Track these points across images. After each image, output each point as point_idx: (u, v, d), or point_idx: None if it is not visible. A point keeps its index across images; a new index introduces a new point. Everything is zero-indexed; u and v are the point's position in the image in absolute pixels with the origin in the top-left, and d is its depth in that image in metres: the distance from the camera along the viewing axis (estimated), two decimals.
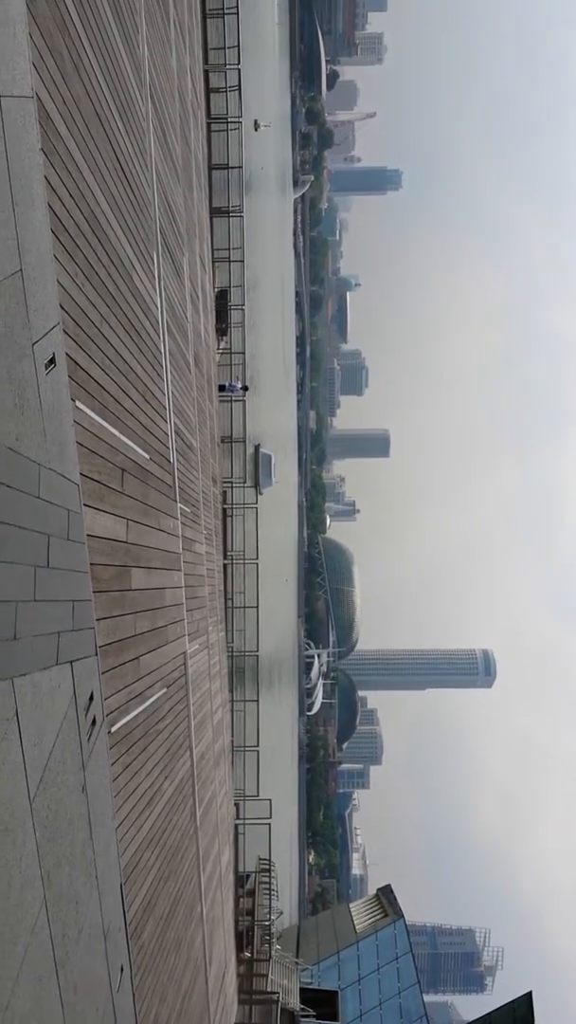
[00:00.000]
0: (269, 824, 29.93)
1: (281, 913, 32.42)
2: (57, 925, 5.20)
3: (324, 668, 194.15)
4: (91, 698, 6.26)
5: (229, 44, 26.74)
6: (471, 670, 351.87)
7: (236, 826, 26.77)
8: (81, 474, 6.74)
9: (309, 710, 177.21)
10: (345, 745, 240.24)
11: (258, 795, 28.90)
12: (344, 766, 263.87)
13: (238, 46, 27.18)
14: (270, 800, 29.87)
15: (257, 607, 30.01)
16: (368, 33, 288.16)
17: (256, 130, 61.16)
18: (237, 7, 27.39)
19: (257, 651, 30.26)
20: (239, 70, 27.29)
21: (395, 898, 42.09)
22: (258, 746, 28.77)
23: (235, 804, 26.71)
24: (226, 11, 26.49)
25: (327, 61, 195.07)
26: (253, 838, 29.00)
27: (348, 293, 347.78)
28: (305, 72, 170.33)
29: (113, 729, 8.01)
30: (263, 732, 30.45)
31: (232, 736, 25.97)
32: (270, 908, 28.61)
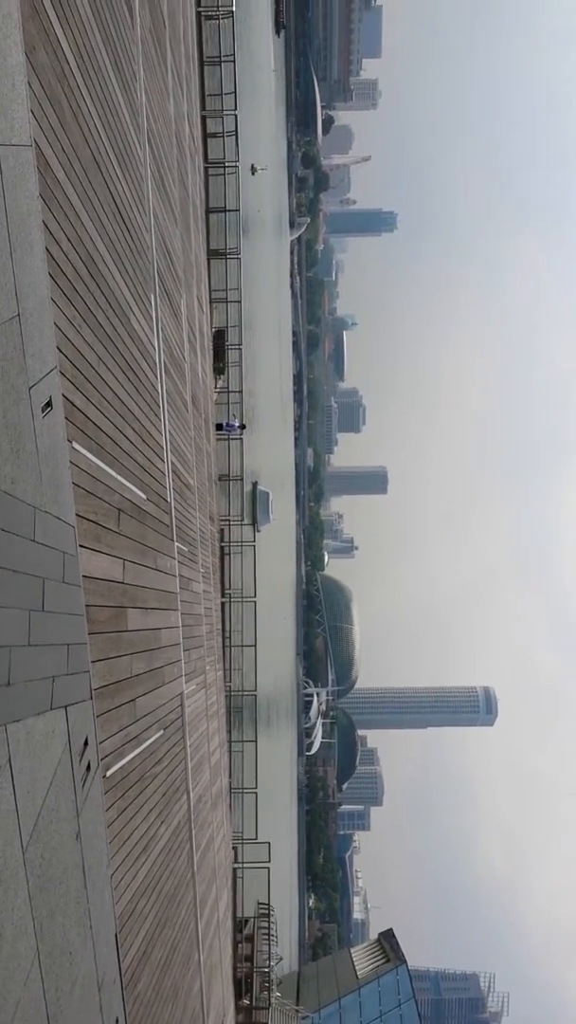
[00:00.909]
0: (268, 868, 29.47)
1: (281, 959, 31.80)
2: (50, 977, 5.08)
3: (323, 707, 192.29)
4: (86, 743, 6.18)
5: (226, 90, 27.25)
6: (472, 708, 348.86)
7: (234, 870, 26.35)
8: (77, 515, 6.72)
9: (308, 750, 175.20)
10: (345, 786, 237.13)
11: (256, 838, 28.48)
12: (344, 807, 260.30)
13: (235, 92, 27.70)
14: (269, 843, 29.44)
15: (255, 645, 29.83)
16: (363, 79, 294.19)
17: (253, 174, 62.13)
18: (234, 55, 27.96)
19: (255, 690, 30.02)
20: (236, 116, 27.78)
21: (397, 943, 41.32)
22: (256, 788, 28.41)
23: (233, 848, 26.31)
24: (223, 59, 27.03)
25: (323, 106, 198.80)
26: (252, 882, 28.54)
27: (345, 332, 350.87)
28: (301, 117, 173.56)
29: (108, 773, 7.89)
30: (262, 773, 30.09)
31: (230, 778, 25.66)
32: (269, 954, 28.04)
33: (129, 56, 10.59)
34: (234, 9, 26.84)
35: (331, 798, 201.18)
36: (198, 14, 23.58)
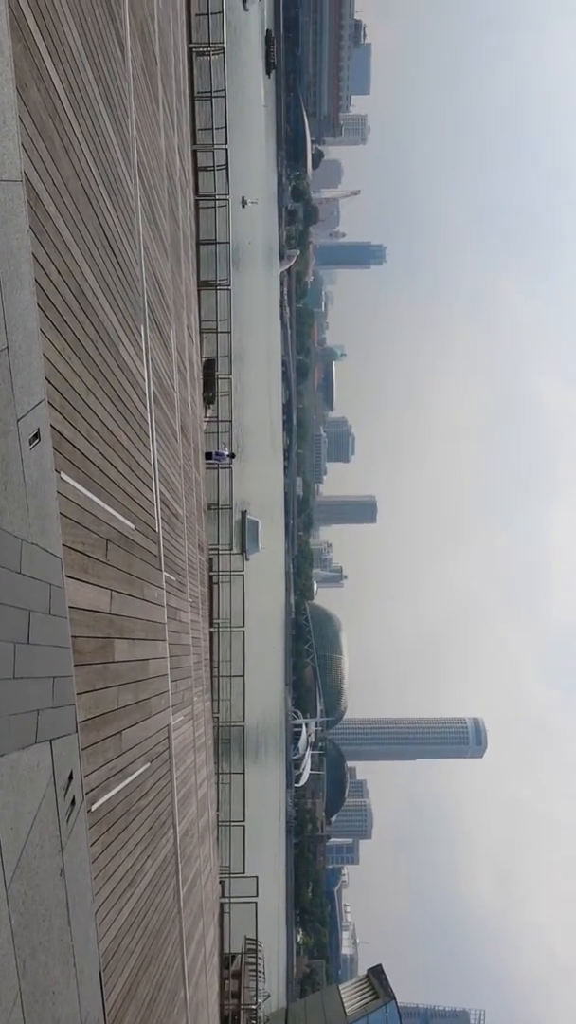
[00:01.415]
0: (256, 903, 29.09)
1: (268, 996, 31.28)
2: (32, 1018, 4.97)
3: (312, 738, 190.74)
4: (71, 777, 6.10)
5: (217, 125, 27.63)
6: (461, 739, 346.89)
7: (221, 905, 25.98)
8: (65, 545, 6.70)
9: (297, 782, 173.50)
10: (334, 818, 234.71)
11: (244, 872, 28.13)
12: (333, 840, 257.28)
13: (225, 127, 28.08)
14: (256, 877, 29.08)
15: (243, 676, 29.66)
16: (352, 115, 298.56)
17: (243, 207, 62.82)
18: (224, 90, 28.38)
19: (243, 721, 29.79)
20: (226, 150, 28.14)
21: (386, 979, 40.71)
22: (244, 821, 28.10)
23: (220, 882, 25.96)
24: (214, 94, 27.43)
25: (312, 141, 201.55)
26: (239, 917, 28.14)
27: (334, 363, 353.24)
28: (291, 152, 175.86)
29: (93, 807, 7.79)
30: (249, 806, 29.78)
31: (217, 810, 25.38)
32: (257, 991, 27.59)
33: (121, 92, 10.73)
34: (225, 46, 27.29)
35: (320, 831, 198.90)
36: (190, 51, 23.95)
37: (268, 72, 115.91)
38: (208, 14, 26.18)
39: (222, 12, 26.67)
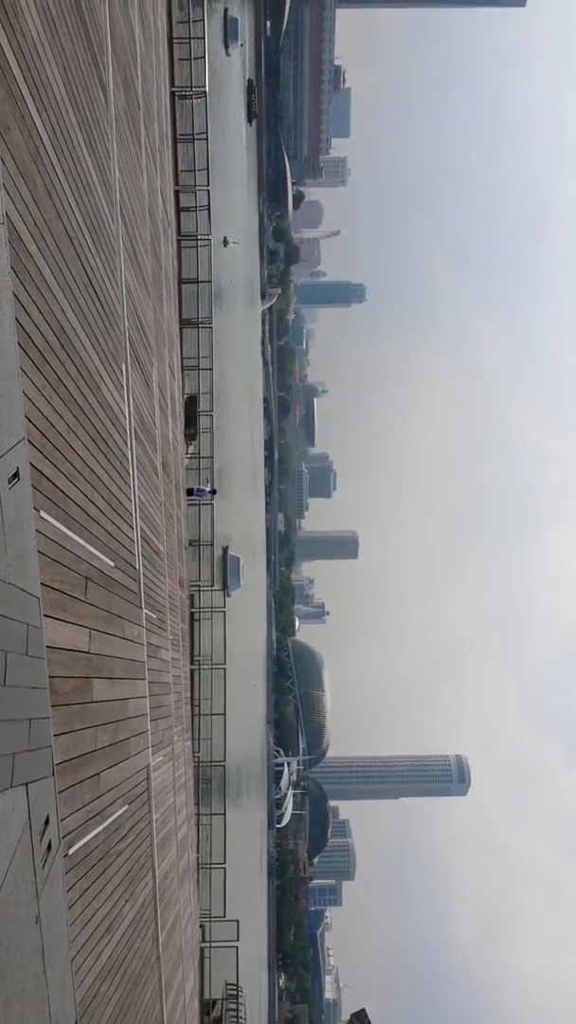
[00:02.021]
0: (236, 947, 28.55)
1: None
2: None
3: (294, 777, 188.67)
4: (47, 821, 5.99)
5: (199, 167, 28.05)
6: (445, 777, 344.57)
7: (202, 949, 25.46)
8: (43, 584, 6.64)
9: (279, 822, 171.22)
10: (316, 859, 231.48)
11: (225, 916, 27.63)
12: (315, 882, 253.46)
13: (208, 169, 28.52)
14: (238, 921, 28.57)
15: (224, 714, 29.37)
16: (332, 157, 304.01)
17: (225, 246, 63.60)
18: (207, 133, 28.86)
19: (224, 761, 29.43)
20: (208, 191, 28.54)
21: (370, 1022, 39.99)
22: (225, 863, 27.66)
23: (200, 926, 25.47)
24: (196, 136, 27.88)
25: (293, 183, 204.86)
26: (220, 962, 27.57)
27: (315, 399, 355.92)
28: (272, 193, 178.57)
29: (70, 852, 7.64)
30: (230, 847, 29.32)
31: (198, 853, 24.97)
32: None
33: (103, 135, 10.88)
34: (207, 90, 27.79)
35: (302, 872, 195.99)
36: (172, 94, 24.38)
37: (250, 121, 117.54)
38: (191, 59, 26.68)
39: (204, 57, 27.19)
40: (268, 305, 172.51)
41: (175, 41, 24.94)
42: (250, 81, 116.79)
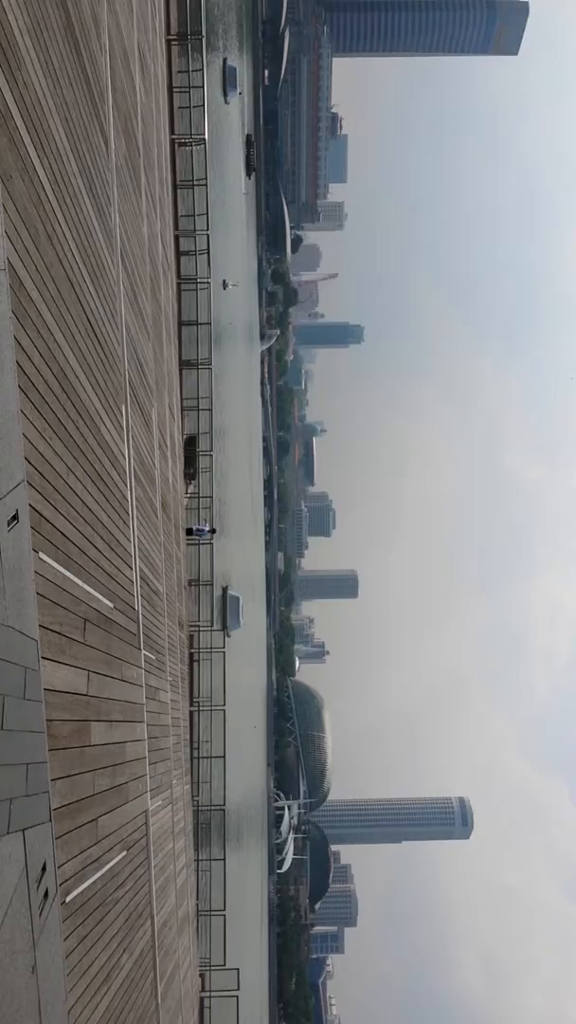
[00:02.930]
0: (237, 996, 27.90)
1: None
2: None
3: (295, 821, 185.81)
4: (44, 868, 5.89)
5: (199, 211, 28.48)
6: (447, 820, 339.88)
7: (201, 999, 24.90)
8: (42, 626, 6.61)
9: (279, 868, 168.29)
10: (318, 905, 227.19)
11: (225, 964, 27.08)
12: (317, 929, 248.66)
13: (207, 213, 28.95)
14: (238, 970, 27.99)
15: (224, 756, 29.05)
16: (329, 202, 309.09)
17: (225, 289, 64.25)
18: (206, 179, 29.34)
19: (224, 805, 29.08)
20: (208, 235, 28.96)
21: None
22: (225, 910, 27.18)
23: (200, 975, 24.94)
24: (195, 182, 28.36)
25: (291, 227, 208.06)
26: (220, 1012, 26.95)
27: (314, 438, 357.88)
28: (271, 237, 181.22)
29: (68, 899, 7.51)
30: (230, 894, 28.81)
31: (197, 900, 24.54)
32: None
33: (104, 182, 11.06)
34: (206, 137, 28.31)
35: (304, 919, 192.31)
36: (172, 141, 24.83)
37: (248, 174, 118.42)
38: (190, 107, 27.22)
39: (203, 105, 27.74)
40: (267, 346, 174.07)
41: (175, 90, 25.47)
42: (248, 136, 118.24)
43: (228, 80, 75.12)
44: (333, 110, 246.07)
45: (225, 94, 75.58)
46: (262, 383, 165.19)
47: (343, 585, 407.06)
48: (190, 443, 28.35)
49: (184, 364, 27.14)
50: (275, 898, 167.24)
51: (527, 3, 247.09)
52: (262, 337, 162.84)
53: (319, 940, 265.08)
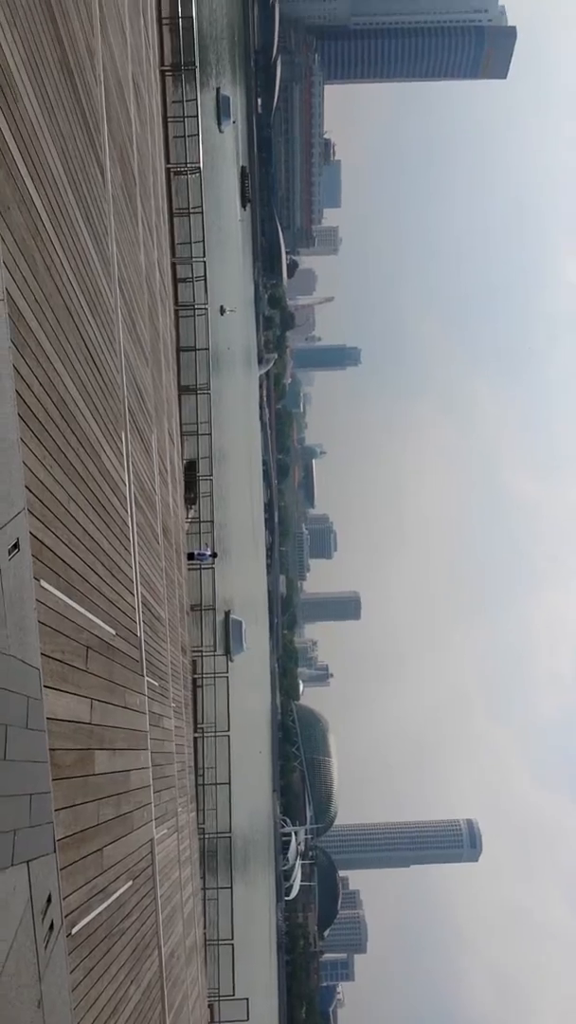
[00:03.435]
0: None
1: None
2: None
3: (302, 847, 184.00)
4: (49, 900, 5.83)
5: (195, 239, 28.73)
6: (456, 843, 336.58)
7: None
8: (44, 654, 6.58)
9: (287, 894, 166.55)
10: (327, 932, 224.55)
11: (234, 994, 26.71)
12: (327, 956, 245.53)
13: (203, 241, 29.22)
14: (247, 999, 27.60)
15: (229, 783, 28.83)
16: (324, 227, 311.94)
17: (222, 314, 64.68)
18: (202, 207, 29.63)
19: (230, 832, 28.81)
20: (204, 262, 29.20)
21: None
22: (233, 939, 26.86)
23: (209, 1005, 24.60)
24: (192, 211, 28.64)
25: (287, 252, 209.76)
26: None
27: (314, 461, 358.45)
28: (267, 262, 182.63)
29: (73, 931, 7.42)
30: (238, 922, 28.53)
31: (205, 929, 24.26)
32: None
33: (100, 211, 11.16)
34: (201, 165, 28.62)
35: (313, 946, 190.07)
36: (167, 170, 25.09)
37: (244, 206, 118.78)
38: (185, 136, 27.54)
39: (198, 134, 28.07)
40: (265, 370, 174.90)
41: (169, 120, 25.77)
42: (244, 168, 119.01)
43: (222, 109, 76.11)
44: (326, 136, 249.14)
45: (219, 123, 76.51)
46: (261, 407, 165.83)
47: (346, 607, 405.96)
48: (190, 468, 28.42)
49: (183, 389, 27.25)
50: (283, 925, 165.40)
51: (514, 28, 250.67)
52: (260, 361, 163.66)
53: (329, 967, 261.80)
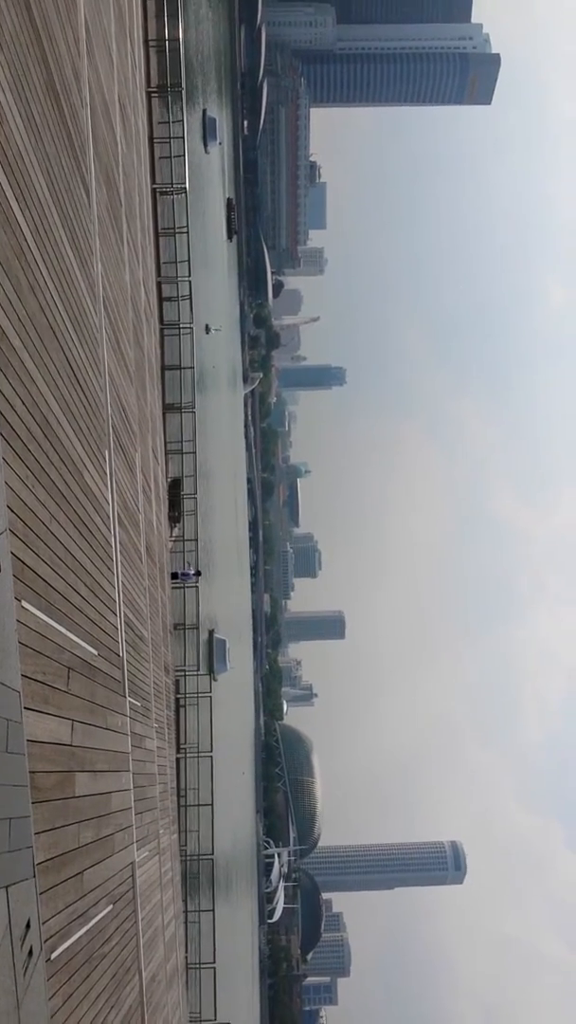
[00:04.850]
0: None
1: None
2: None
3: (285, 869, 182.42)
4: (28, 926, 5.76)
5: (180, 258, 28.87)
6: (440, 866, 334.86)
7: None
8: (24, 676, 6.53)
9: (270, 917, 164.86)
10: (310, 955, 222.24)
11: (215, 1018, 26.43)
12: (310, 979, 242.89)
13: (189, 260, 29.35)
14: None
15: (212, 804, 28.63)
16: (310, 248, 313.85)
17: (207, 333, 64.89)
18: (187, 226, 29.80)
19: (212, 854, 28.52)
20: (190, 281, 29.32)
21: None
22: (215, 962, 26.58)
23: None
24: (177, 230, 28.79)
25: (273, 273, 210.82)
26: None
27: (298, 480, 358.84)
28: (252, 282, 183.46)
29: (53, 956, 7.32)
30: (220, 945, 28.22)
31: (186, 952, 23.98)
32: None
33: (86, 231, 11.20)
34: (187, 186, 28.81)
35: (296, 970, 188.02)
36: (153, 190, 25.23)
37: (230, 237, 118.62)
38: (171, 157, 27.73)
39: (184, 155, 28.26)
40: (250, 389, 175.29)
41: (156, 141, 25.95)
42: (230, 200, 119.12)
43: (208, 131, 76.63)
44: (312, 159, 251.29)
45: (205, 144, 77.02)
46: (246, 425, 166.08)
47: (330, 626, 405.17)
48: (174, 486, 28.40)
49: (168, 408, 27.27)
50: (266, 948, 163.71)
51: (498, 55, 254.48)
52: (245, 380, 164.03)
53: (312, 991, 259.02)
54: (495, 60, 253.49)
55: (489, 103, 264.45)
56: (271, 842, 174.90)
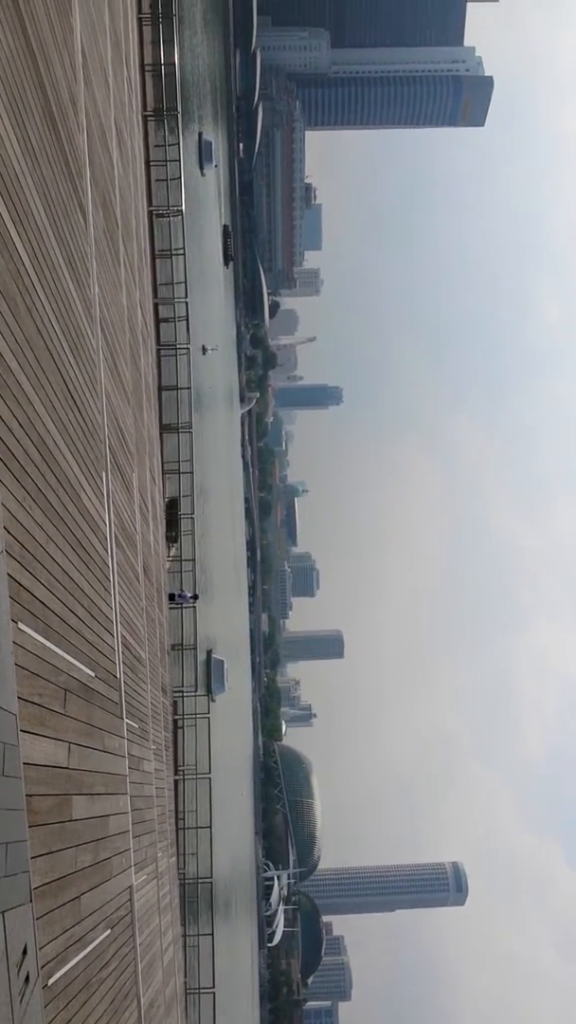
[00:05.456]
0: None
1: None
2: None
3: (285, 892, 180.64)
4: (25, 952, 5.70)
5: (177, 280, 29.04)
6: (441, 886, 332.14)
7: None
8: (21, 698, 6.50)
9: (270, 941, 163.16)
10: (311, 979, 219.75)
11: None
12: (310, 1004, 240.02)
13: (185, 282, 29.52)
14: None
15: (210, 827, 28.39)
16: (305, 269, 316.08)
17: (204, 354, 65.10)
18: (184, 248, 29.98)
19: (211, 877, 28.25)
20: (187, 303, 29.47)
21: None
22: (214, 987, 26.25)
23: None
24: (174, 252, 28.98)
25: (269, 293, 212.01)
26: None
27: (296, 499, 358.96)
28: (249, 303, 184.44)
29: (50, 982, 7.24)
30: (219, 970, 27.89)
31: (185, 977, 23.70)
32: None
33: (83, 254, 11.26)
34: (183, 208, 29.02)
35: (296, 994, 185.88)
36: (150, 213, 25.41)
37: (226, 263, 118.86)
38: (167, 180, 27.94)
39: (180, 178, 28.48)
40: (247, 409, 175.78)
41: (152, 164, 26.16)
42: (226, 227, 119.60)
43: (204, 153, 77.22)
44: (307, 181, 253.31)
45: (201, 167, 77.59)
46: (243, 445, 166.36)
47: (329, 646, 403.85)
48: (172, 506, 28.39)
49: (165, 428, 27.32)
50: (266, 973, 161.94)
51: (491, 77, 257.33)
52: (242, 400, 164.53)
53: (312, 1016, 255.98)
54: (488, 83, 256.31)
55: (482, 125, 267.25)
56: (270, 864, 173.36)
